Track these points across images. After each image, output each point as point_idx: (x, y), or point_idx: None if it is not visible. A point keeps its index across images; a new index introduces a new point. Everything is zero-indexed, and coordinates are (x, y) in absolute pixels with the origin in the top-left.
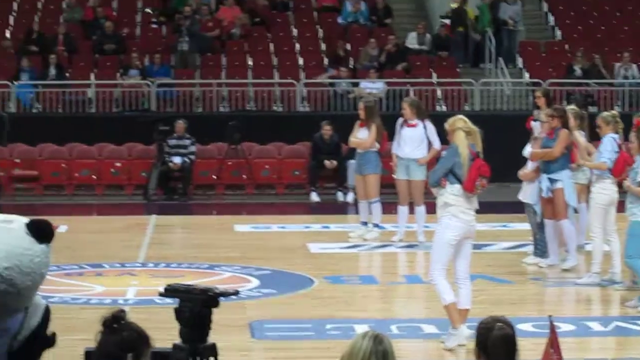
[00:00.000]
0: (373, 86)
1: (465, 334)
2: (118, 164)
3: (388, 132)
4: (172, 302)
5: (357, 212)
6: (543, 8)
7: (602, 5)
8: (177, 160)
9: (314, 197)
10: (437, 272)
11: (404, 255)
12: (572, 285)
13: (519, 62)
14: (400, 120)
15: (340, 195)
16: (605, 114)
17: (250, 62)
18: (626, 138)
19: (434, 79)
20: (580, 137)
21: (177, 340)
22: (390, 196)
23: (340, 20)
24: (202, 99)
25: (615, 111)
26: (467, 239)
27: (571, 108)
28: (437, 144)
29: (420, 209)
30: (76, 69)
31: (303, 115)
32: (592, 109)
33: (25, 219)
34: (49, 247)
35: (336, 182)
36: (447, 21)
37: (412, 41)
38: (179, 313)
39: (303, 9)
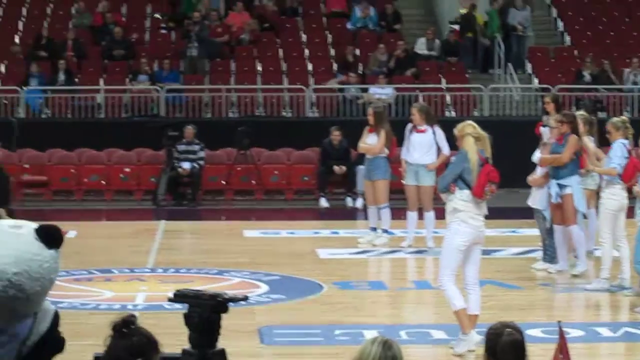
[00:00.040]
0: (382, 92)
1: (475, 340)
2: (127, 170)
3: (397, 137)
4: (181, 308)
5: (366, 218)
6: (552, 14)
7: (612, 11)
8: (186, 165)
9: (323, 202)
10: (447, 278)
11: (413, 260)
12: (581, 291)
13: (528, 67)
14: (409, 125)
15: (349, 201)
16: (615, 119)
17: (259, 68)
18: (636, 144)
19: (443, 85)
20: (590, 142)
21: (187, 345)
22: (399, 202)
23: (349, 25)
24: (211, 105)
25: (624, 117)
26: (476, 244)
27: (580, 114)
28: (446, 149)
29: (430, 215)
30: (85, 75)
31: (312, 121)
32: (601, 115)
33: (34, 225)
34: (58, 252)
35: (345, 188)
36: (456, 27)
37: (421, 47)
38: (188, 318)
39: (312, 15)
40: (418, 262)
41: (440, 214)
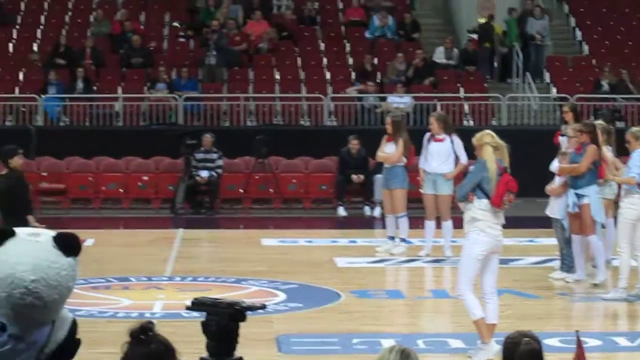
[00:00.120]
0: (400, 101)
1: (494, 349)
2: (145, 178)
3: (415, 146)
4: (198, 316)
5: (384, 227)
6: (570, 23)
7: (630, 21)
8: (204, 174)
9: (341, 211)
10: (465, 287)
11: (431, 269)
12: (599, 301)
13: (547, 77)
14: (427, 134)
15: (367, 210)
16: (634, 129)
17: (277, 76)
18: None
19: (461, 94)
20: (608, 152)
21: (204, 354)
22: (417, 211)
23: (367, 34)
24: (229, 113)
25: None
26: (494, 253)
27: (599, 123)
28: (464, 158)
29: (447, 224)
30: (103, 83)
31: (330, 130)
32: (620, 124)
33: (52, 232)
34: (76, 260)
35: (363, 197)
36: (475, 36)
37: (439, 56)
38: (205, 327)
39: (330, 23)
40: (436, 271)
41: (458, 223)
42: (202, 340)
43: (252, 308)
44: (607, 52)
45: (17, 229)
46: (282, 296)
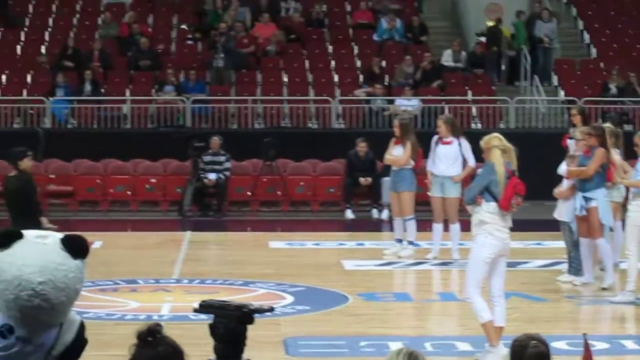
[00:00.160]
0: (408, 103)
1: (502, 353)
2: (153, 180)
3: (423, 149)
4: (206, 319)
5: (391, 230)
6: (578, 26)
7: (638, 24)
8: (212, 176)
9: (349, 214)
10: (473, 290)
11: (439, 272)
12: (607, 304)
13: (554, 80)
14: (435, 137)
15: (375, 213)
16: None
17: (285, 79)
18: None
19: (469, 97)
20: (616, 155)
21: (212, 356)
22: (425, 213)
23: (375, 37)
24: (237, 116)
25: None
26: (501, 256)
27: (606, 126)
28: (472, 161)
29: (455, 227)
30: (111, 85)
31: (338, 132)
32: (627, 127)
33: (59, 235)
34: (83, 262)
35: (371, 200)
36: (483, 39)
37: (447, 58)
38: (213, 329)
39: (338, 26)
40: (443, 274)
41: (466, 226)
42: (210, 342)
43: (260, 311)
44: (615, 55)
45: (24, 232)
46: (289, 299)
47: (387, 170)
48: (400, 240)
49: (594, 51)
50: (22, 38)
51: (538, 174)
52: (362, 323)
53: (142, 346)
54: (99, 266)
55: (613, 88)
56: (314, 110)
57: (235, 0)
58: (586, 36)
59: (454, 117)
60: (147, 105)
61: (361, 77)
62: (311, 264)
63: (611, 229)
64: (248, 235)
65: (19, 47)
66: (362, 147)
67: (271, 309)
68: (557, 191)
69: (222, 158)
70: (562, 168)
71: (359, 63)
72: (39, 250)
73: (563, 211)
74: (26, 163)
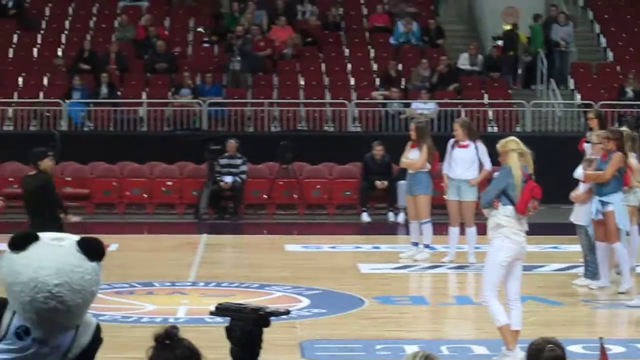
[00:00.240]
0: (424, 107)
1: (519, 356)
2: (169, 183)
3: (439, 152)
4: (222, 321)
5: (407, 233)
6: (595, 29)
7: None
8: (228, 179)
9: (365, 217)
10: (490, 294)
11: (455, 276)
12: (623, 307)
13: (571, 83)
14: (451, 141)
15: (391, 216)
16: None
17: (301, 82)
18: None
19: (486, 100)
20: (632, 159)
21: (228, 359)
22: (441, 217)
23: (392, 40)
24: (253, 119)
25: None
26: (518, 260)
27: (623, 130)
28: (488, 165)
29: (471, 230)
30: (128, 88)
31: (354, 136)
32: None
33: (76, 237)
34: (99, 265)
35: (387, 203)
36: (500, 42)
37: (463, 62)
38: (229, 332)
39: (355, 29)
40: (459, 277)
41: (482, 230)
42: (226, 345)
43: (276, 314)
44: (631, 59)
45: (40, 234)
46: (305, 302)
47: (403, 173)
48: (416, 244)
49: (610, 55)
50: (39, 41)
51: (554, 177)
52: (378, 326)
53: (160, 349)
54: (115, 269)
55: (629, 92)
56: (330, 114)
57: (252, 3)
58: (603, 40)
59: (471, 120)
60: (163, 108)
61: (377, 81)
62: (327, 267)
63: (627, 233)
64: (264, 238)
65: (35, 50)
66: (378, 150)
67: (287, 312)
68: (573, 195)
69: (239, 161)
70: (578, 172)
71: (375, 66)
72: (55, 253)
73: (580, 215)
74: (46, 163)
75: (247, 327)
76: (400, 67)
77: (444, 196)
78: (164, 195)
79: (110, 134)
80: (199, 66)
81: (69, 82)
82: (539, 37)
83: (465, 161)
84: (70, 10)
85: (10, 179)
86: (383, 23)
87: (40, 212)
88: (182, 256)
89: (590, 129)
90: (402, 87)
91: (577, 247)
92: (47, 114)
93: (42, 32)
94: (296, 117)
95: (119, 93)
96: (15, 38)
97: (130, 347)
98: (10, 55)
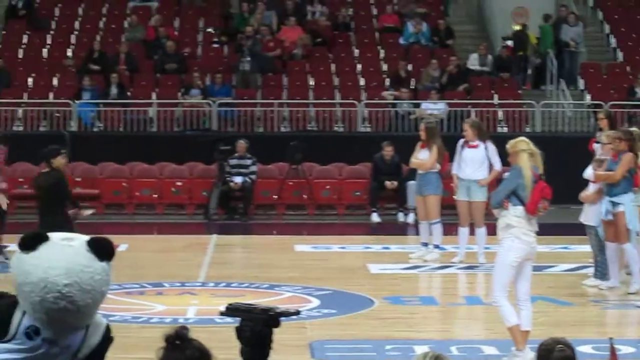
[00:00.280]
0: (434, 107)
1: (528, 357)
2: (179, 183)
3: (449, 153)
4: (232, 322)
5: (417, 233)
6: (605, 30)
7: None
8: (238, 179)
9: (375, 217)
10: (500, 294)
11: (464, 276)
12: (633, 308)
13: (581, 83)
14: (461, 141)
15: (400, 216)
16: None
17: (311, 82)
18: None
19: (495, 100)
20: None
21: (238, 359)
22: (450, 217)
23: (401, 41)
24: (263, 119)
25: None
26: (527, 260)
27: (633, 130)
28: (498, 165)
29: (481, 231)
30: (137, 88)
31: (364, 136)
32: None
33: (86, 237)
34: (109, 265)
35: (397, 203)
36: (509, 42)
37: (473, 62)
38: (239, 332)
39: (364, 30)
40: (469, 277)
41: (492, 230)
42: (236, 346)
43: (286, 314)
44: None
45: (50, 234)
46: (315, 302)
47: (412, 173)
48: (426, 244)
49: (620, 55)
50: (49, 41)
51: (564, 178)
52: (388, 326)
53: (170, 349)
54: (125, 269)
55: (639, 92)
56: (340, 114)
57: (262, 3)
58: (612, 40)
59: (480, 120)
60: (173, 108)
61: (387, 81)
62: (337, 267)
63: (638, 234)
64: (274, 238)
65: (45, 51)
66: (388, 150)
67: (297, 313)
68: (583, 195)
69: (248, 161)
70: (588, 172)
71: (385, 67)
72: (64, 253)
73: (589, 215)
74: (59, 161)
75: (257, 328)
76: (410, 67)
77: (453, 196)
78: (174, 195)
79: (120, 134)
80: (208, 67)
81: (78, 82)
82: (549, 37)
83: (475, 161)
84: (80, 11)
85: (21, 180)
86: (393, 23)
87: (52, 210)
88: (192, 256)
89: (600, 129)
90: (412, 87)
91: (587, 248)
92: (57, 115)
93: (51, 32)
94: (306, 118)
95: (128, 93)
96: (25, 38)
97: (140, 347)
98: (20, 55)
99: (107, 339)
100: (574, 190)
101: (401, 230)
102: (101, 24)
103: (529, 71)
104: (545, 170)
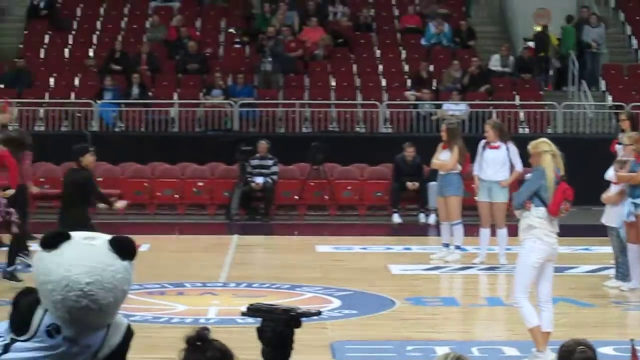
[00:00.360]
0: (456, 108)
1: (549, 358)
2: (200, 184)
3: (470, 154)
4: (253, 322)
5: (438, 234)
6: (626, 31)
7: None
8: (259, 180)
9: (396, 218)
10: (521, 295)
11: (485, 277)
12: None
13: (602, 85)
14: (482, 142)
15: (422, 217)
16: None
17: (333, 83)
18: None
19: (517, 102)
20: None
21: None
22: (472, 218)
23: (423, 41)
24: (284, 120)
25: None
26: (549, 261)
27: None
28: (519, 166)
29: (502, 232)
30: (159, 88)
31: (385, 137)
32: None
33: (107, 236)
34: (131, 264)
35: (418, 204)
36: (531, 44)
37: (495, 63)
38: (261, 332)
39: (386, 30)
40: (490, 278)
41: (513, 231)
42: (257, 346)
43: (307, 314)
44: None
45: (72, 233)
46: (336, 303)
47: (434, 174)
48: (447, 245)
49: None
50: (70, 41)
51: (585, 179)
52: (409, 327)
53: (191, 351)
54: (146, 269)
55: None
56: (362, 115)
57: (284, 4)
58: (634, 41)
59: (502, 121)
60: (194, 108)
61: (409, 82)
62: (358, 268)
63: None
64: (295, 239)
65: (67, 51)
66: (409, 151)
67: (318, 313)
68: (605, 197)
69: (270, 162)
70: (609, 173)
71: (406, 67)
72: (87, 252)
73: (611, 217)
74: (87, 159)
75: (278, 328)
76: (431, 68)
77: (474, 197)
78: (195, 196)
79: (141, 134)
80: (230, 67)
81: (100, 82)
82: (571, 38)
83: (496, 162)
84: (101, 11)
85: (42, 179)
86: (414, 24)
87: (75, 206)
88: (213, 257)
89: (622, 131)
90: (434, 88)
91: (609, 249)
92: (79, 115)
93: (73, 32)
94: (327, 118)
95: (150, 94)
96: (46, 38)
97: (161, 347)
98: (42, 55)
99: (127, 340)
100: (596, 192)
101: (422, 231)
102: (123, 24)
103: (551, 72)
104: (567, 172)
